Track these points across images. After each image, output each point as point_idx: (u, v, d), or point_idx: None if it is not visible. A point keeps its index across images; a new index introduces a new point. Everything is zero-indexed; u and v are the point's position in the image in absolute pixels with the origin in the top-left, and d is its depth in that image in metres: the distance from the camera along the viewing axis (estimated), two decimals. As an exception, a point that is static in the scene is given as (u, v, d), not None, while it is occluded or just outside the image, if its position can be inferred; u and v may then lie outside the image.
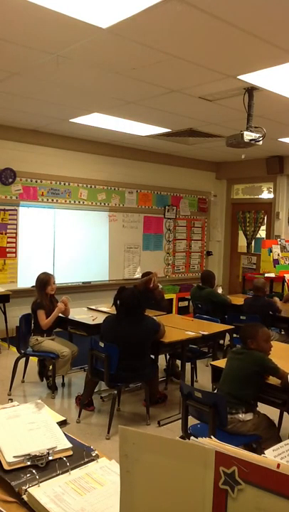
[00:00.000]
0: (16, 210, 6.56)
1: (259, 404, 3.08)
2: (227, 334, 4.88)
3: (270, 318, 5.45)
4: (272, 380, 2.95)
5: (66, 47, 3.41)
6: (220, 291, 6.15)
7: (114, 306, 4.02)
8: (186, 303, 8.08)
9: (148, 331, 3.84)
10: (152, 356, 4.15)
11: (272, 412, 3.16)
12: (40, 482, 1.18)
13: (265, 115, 5.07)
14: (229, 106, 4.83)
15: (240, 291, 7.93)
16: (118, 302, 3.94)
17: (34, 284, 4.76)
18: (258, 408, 3.05)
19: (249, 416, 2.92)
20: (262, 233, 9.14)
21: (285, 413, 3.26)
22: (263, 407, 3.09)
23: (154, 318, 4.08)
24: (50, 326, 4.54)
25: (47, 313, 4.54)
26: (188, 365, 4.43)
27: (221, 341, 5.19)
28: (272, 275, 7.41)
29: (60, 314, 4.70)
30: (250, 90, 4.26)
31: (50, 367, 4.53)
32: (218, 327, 4.60)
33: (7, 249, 6.51)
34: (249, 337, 3.07)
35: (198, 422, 3.03)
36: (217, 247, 9.62)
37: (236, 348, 3.20)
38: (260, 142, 4.43)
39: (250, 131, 4.37)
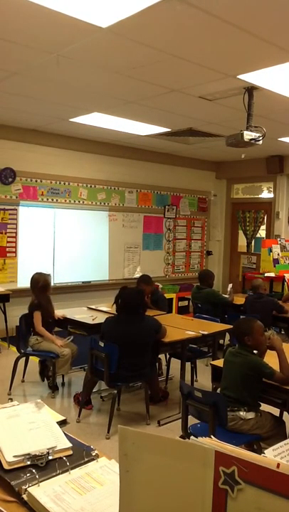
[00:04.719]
0: (16, 209, 6.56)
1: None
2: (227, 334, 4.88)
3: (271, 317, 5.44)
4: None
5: (66, 47, 3.41)
6: (229, 288, 6.06)
7: (116, 305, 4.02)
8: (186, 303, 8.08)
9: (149, 331, 3.84)
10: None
11: (272, 412, 3.16)
12: (40, 482, 1.18)
13: (265, 115, 5.07)
14: (229, 106, 4.83)
15: (240, 291, 7.92)
16: (119, 301, 3.94)
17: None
18: (261, 408, 3.05)
19: (251, 415, 2.92)
20: (262, 233, 9.14)
21: (285, 413, 3.25)
22: (263, 407, 3.09)
23: (156, 318, 4.09)
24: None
25: (43, 314, 4.55)
26: (188, 365, 4.43)
27: (221, 341, 5.19)
28: (272, 275, 7.41)
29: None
30: (250, 90, 4.26)
31: (51, 367, 4.54)
32: (218, 327, 4.60)
33: (7, 249, 6.51)
34: (245, 333, 3.04)
35: (198, 421, 3.03)
36: (217, 246, 9.62)
37: (233, 347, 3.18)
38: (260, 142, 4.43)
39: (250, 130, 4.37)
